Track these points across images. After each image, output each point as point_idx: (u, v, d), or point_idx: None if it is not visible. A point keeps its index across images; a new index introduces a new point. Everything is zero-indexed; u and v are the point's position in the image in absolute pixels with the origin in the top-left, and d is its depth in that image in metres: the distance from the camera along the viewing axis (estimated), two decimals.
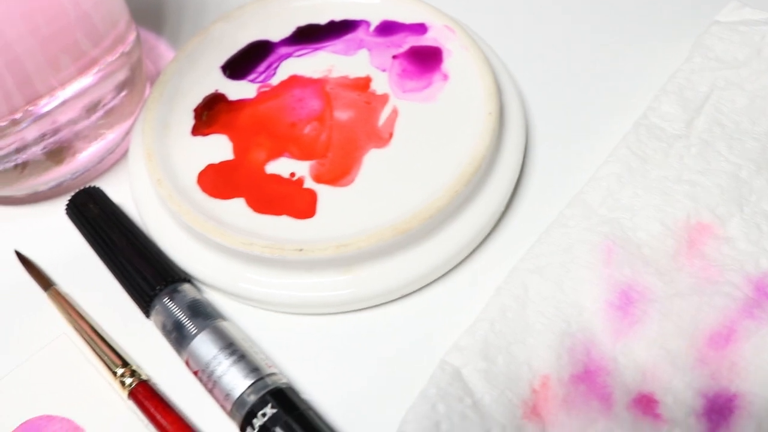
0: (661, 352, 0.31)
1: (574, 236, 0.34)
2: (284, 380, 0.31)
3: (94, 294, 0.35)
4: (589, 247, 0.33)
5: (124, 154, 0.39)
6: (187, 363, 0.32)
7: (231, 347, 0.31)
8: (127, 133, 0.39)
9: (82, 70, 0.36)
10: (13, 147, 0.36)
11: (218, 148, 0.36)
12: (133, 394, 0.32)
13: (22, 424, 0.33)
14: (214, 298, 0.34)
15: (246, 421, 0.30)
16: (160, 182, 0.35)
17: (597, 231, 0.34)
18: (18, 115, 0.35)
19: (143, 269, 0.34)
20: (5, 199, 0.39)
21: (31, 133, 0.36)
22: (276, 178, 0.35)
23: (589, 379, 0.31)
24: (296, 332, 0.34)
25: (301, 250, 0.32)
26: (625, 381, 0.31)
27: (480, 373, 0.31)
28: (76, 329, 0.34)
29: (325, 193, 0.34)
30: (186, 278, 0.34)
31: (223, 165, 0.36)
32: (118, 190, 0.37)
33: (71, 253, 0.37)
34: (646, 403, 0.30)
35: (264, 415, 0.30)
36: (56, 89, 0.35)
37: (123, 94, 0.38)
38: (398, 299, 0.34)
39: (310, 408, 0.30)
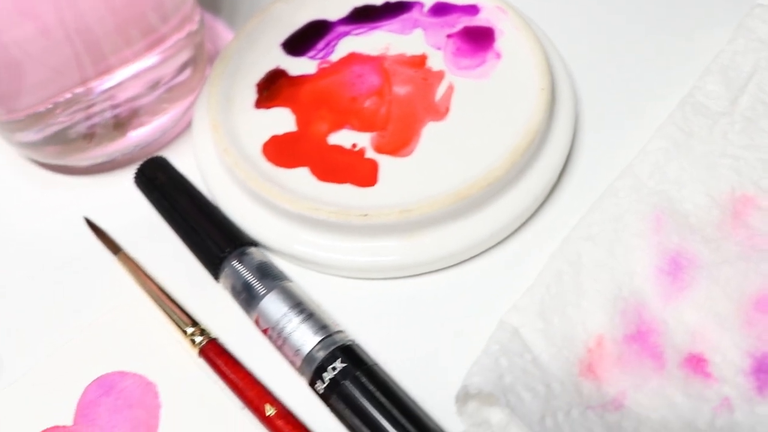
0: (709, 314, 0.33)
1: (624, 206, 0.35)
2: (350, 338, 0.33)
3: (161, 260, 0.37)
4: (639, 216, 0.35)
5: (186, 128, 0.41)
6: (256, 322, 0.33)
7: (300, 306, 0.33)
8: (188, 108, 0.41)
9: (150, 47, 0.37)
10: (82, 117, 0.38)
11: (281, 120, 0.38)
12: (203, 352, 0.34)
13: (96, 379, 0.34)
14: (277, 263, 0.36)
15: (315, 376, 0.31)
16: (226, 151, 0.36)
17: (646, 202, 0.35)
18: (88, 86, 0.37)
19: (212, 234, 0.35)
20: (73, 169, 0.40)
21: (99, 105, 0.38)
22: (338, 148, 0.36)
23: (641, 340, 0.33)
24: (357, 296, 0.35)
25: (365, 215, 0.34)
26: (675, 342, 0.32)
27: (537, 333, 0.32)
28: (146, 290, 0.36)
29: (385, 162, 0.36)
30: (252, 242, 0.35)
31: (287, 136, 0.37)
32: (181, 161, 0.39)
33: (137, 221, 0.38)
34: (696, 363, 0.32)
35: (334, 369, 0.31)
36: (125, 63, 0.37)
37: (186, 71, 0.40)
38: (457, 265, 0.35)
39: (376, 364, 0.32)
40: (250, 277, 0.34)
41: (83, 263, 0.38)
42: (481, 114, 0.37)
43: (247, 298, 0.34)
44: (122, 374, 0.34)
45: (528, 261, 0.35)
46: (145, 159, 0.38)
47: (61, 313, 0.36)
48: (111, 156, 0.40)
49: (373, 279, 0.35)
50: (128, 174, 0.39)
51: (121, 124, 0.39)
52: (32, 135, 0.38)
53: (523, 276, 0.34)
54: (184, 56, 0.39)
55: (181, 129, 0.41)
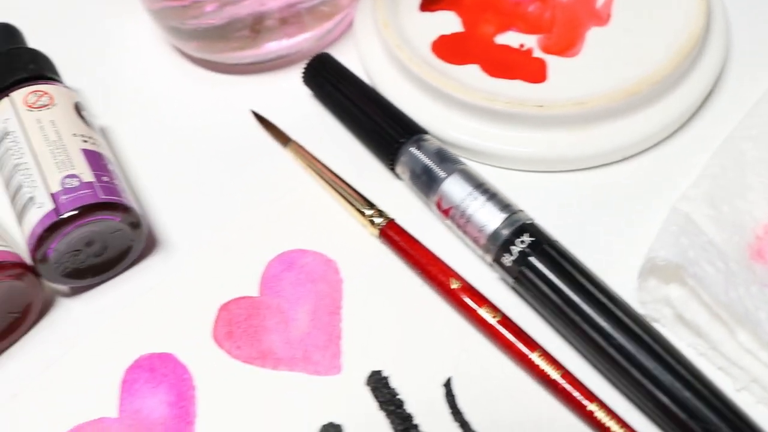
0: None
1: None
2: (531, 218, 0.34)
3: (327, 152, 0.38)
4: None
5: (345, 30, 0.43)
6: (437, 204, 0.35)
7: (482, 187, 0.34)
8: (345, 14, 0.42)
9: None
10: (250, 15, 0.39)
11: (446, 22, 0.39)
12: (383, 232, 0.35)
13: (277, 255, 0.36)
14: None
15: (502, 250, 0.33)
16: (399, 47, 0.38)
17: None
18: None
19: (387, 123, 0.37)
20: (237, 68, 0.42)
21: (268, 4, 0.39)
22: (506, 48, 0.38)
23: None
24: (528, 188, 0.36)
25: (541, 106, 0.35)
26: None
27: (708, 218, 0.34)
28: (321, 176, 0.37)
29: (553, 62, 0.37)
30: (425, 131, 0.37)
31: (454, 36, 0.39)
32: (344, 59, 0.40)
33: (303, 116, 0.40)
34: None
35: (522, 242, 0.33)
36: None
37: None
38: (626, 159, 0.37)
39: (558, 241, 0.33)
40: (429, 162, 0.35)
41: (251, 154, 0.39)
42: (641, 20, 0.38)
43: (427, 181, 0.35)
44: (302, 252, 0.36)
45: (692, 156, 0.36)
46: (310, 57, 0.40)
47: (230, 202, 0.38)
48: (275, 54, 0.42)
49: (543, 171, 0.37)
50: (289, 73, 0.41)
51: (285, 25, 0.40)
52: (203, 21, 0.40)
53: (688, 170, 0.36)
54: None
55: (342, 30, 0.43)
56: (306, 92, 0.41)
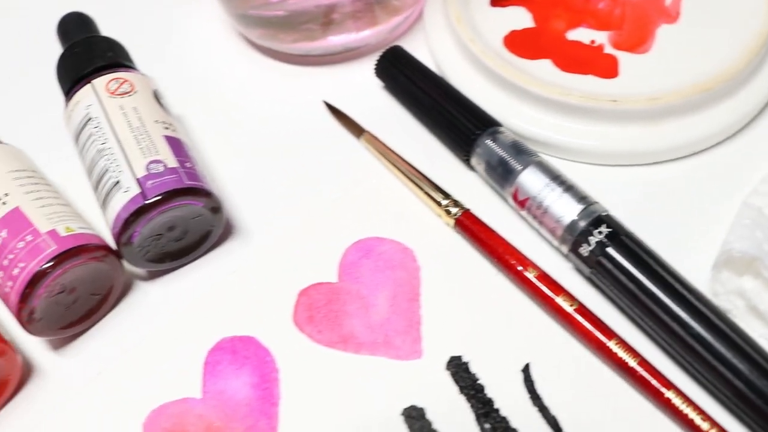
0: None
1: None
2: (606, 209, 0.35)
3: (400, 143, 0.39)
4: None
5: (411, 25, 0.44)
6: (514, 195, 0.36)
7: (559, 179, 0.35)
8: (414, 9, 0.43)
9: None
10: (319, 7, 0.40)
11: (517, 18, 0.40)
12: (459, 221, 0.36)
13: (354, 243, 0.36)
14: None
15: (580, 240, 0.33)
16: (472, 41, 0.38)
17: None
18: None
19: (462, 116, 0.37)
20: (304, 59, 0.43)
21: None
22: (578, 44, 0.39)
23: None
24: (600, 181, 0.37)
25: (615, 101, 0.36)
26: None
27: None
28: (396, 166, 0.38)
29: (624, 58, 0.38)
30: (499, 123, 0.38)
31: (526, 31, 0.39)
32: (412, 53, 0.41)
33: (373, 108, 0.41)
34: None
35: (600, 233, 0.33)
36: None
37: None
38: (696, 153, 0.37)
39: (633, 233, 0.34)
40: (505, 154, 0.36)
41: (322, 144, 0.40)
42: (710, 17, 0.39)
43: (503, 173, 0.36)
44: (379, 239, 0.37)
45: (762, 151, 0.37)
46: (378, 50, 0.41)
47: (301, 191, 0.39)
48: (343, 47, 0.42)
49: (613, 165, 0.37)
50: (357, 65, 0.42)
51: (356, 17, 0.41)
52: (267, 11, 0.40)
53: (759, 165, 0.37)
54: None
55: (409, 25, 0.44)
56: (375, 84, 0.41)
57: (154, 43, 0.46)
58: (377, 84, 0.41)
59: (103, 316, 0.36)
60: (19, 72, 0.48)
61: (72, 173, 0.39)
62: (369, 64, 0.41)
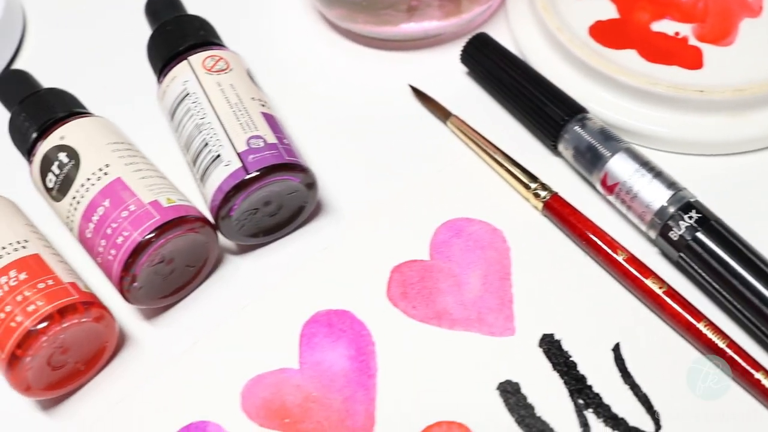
0: None
1: None
2: (694, 195, 0.36)
3: (485, 127, 0.40)
4: None
5: (493, 13, 0.45)
6: (602, 180, 0.36)
7: (648, 165, 0.36)
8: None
9: None
10: None
11: (602, 8, 0.41)
12: (548, 205, 0.37)
13: (444, 222, 0.37)
14: None
15: (669, 226, 0.34)
16: (559, 29, 0.39)
17: None
18: None
19: (551, 102, 0.38)
20: (385, 43, 0.44)
21: None
22: (662, 35, 0.40)
23: None
24: (685, 169, 0.37)
25: (701, 91, 0.37)
26: None
27: None
28: (484, 150, 0.39)
29: (708, 50, 0.39)
30: (587, 111, 0.38)
31: (610, 22, 0.40)
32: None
33: (458, 94, 0.42)
34: None
35: (690, 218, 0.34)
36: None
37: None
38: None
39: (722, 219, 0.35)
40: (594, 140, 0.37)
41: (409, 126, 0.41)
42: None
43: (592, 158, 0.37)
44: (469, 220, 0.37)
45: None
46: (462, 37, 0.41)
47: (389, 171, 0.40)
48: (424, 33, 0.43)
49: (698, 154, 0.38)
50: (440, 51, 0.43)
51: (442, 4, 0.42)
52: None
53: None
54: None
55: (491, 12, 0.45)
56: (459, 70, 0.42)
57: (231, 20, 0.45)
58: (460, 70, 0.42)
59: (195, 288, 0.37)
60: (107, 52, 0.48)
61: (161, 151, 0.40)
62: (450, 50, 0.42)
